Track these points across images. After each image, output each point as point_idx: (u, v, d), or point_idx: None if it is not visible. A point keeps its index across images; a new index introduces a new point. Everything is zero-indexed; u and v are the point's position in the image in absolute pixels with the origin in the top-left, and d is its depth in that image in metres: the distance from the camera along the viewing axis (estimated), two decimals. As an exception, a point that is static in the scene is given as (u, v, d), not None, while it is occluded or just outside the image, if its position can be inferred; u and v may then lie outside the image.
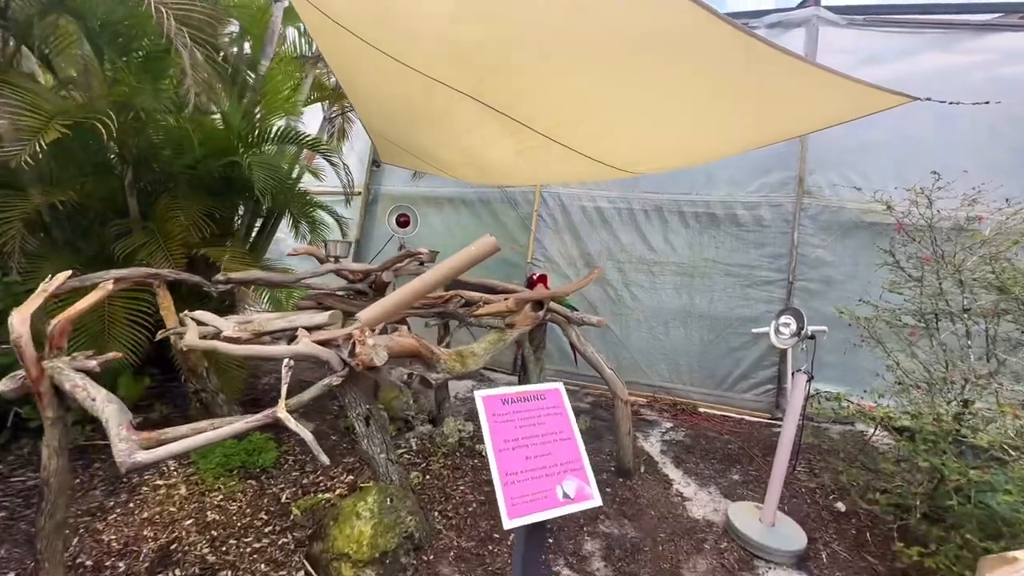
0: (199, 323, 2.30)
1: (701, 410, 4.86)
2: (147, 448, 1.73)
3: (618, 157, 3.60)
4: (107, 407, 1.86)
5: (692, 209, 5.11)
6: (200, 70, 2.92)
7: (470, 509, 2.73)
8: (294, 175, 4.67)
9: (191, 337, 2.11)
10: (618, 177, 4.12)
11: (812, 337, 2.69)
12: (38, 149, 2.49)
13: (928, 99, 2.13)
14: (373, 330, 2.02)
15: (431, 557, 2.32)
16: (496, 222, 5.86)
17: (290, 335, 2.26)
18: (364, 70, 3.38)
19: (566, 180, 5.15)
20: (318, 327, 2.19)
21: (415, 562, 2.21)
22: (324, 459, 1.81)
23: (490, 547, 2.45)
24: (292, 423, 1.77)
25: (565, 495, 1.33)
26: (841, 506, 3.02)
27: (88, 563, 2.12)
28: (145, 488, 2.68)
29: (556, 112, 3.14)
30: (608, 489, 3.15)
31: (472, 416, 4.15)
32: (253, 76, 3.99)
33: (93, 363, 1.96)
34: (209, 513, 2.48)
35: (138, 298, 2.92)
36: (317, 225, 4.67)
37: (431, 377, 2.27)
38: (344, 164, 4.84)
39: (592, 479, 1.47)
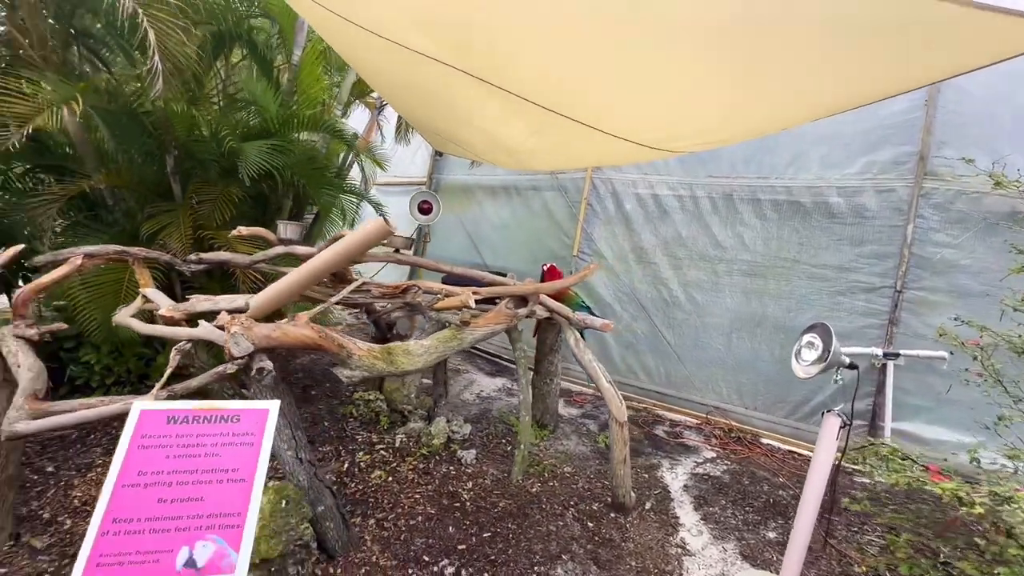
0: (146, 300, 2.37)
1: (764, 441, 3.99)
2: (35, 418, 1.77)
3: (645, 133, 3.02)
4: (26, 375, 1.95)
5: (770, 196, 4.20)
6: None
7: (412, 522, 2.47)
8: (335, 165, 4.77)
9: (121, 315, 2.17)
10: (655, 158, 3.50)
11: (853, 367, 1.93)
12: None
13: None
14: (258, 319, 1.86)
15: (337, 571, 2.12)
16: (545, 211, 5.45)
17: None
18: (369, 58, 3.27)
19: (593, 163, 4.56)
20: (238, 311, 2.10)
21: (309, 573, 2.03)
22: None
23: (410, 570, 2.17)
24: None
25: (188, 563, 0.97)
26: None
27: (45, 516, 2.30)
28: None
29: (556, 81, 2.70)
30: (590, 523, 2.66)
31: (479, 418, 3.89)
32: (287, 66, 4.14)
33: (32, 331, 2.08)
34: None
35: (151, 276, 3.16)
36: (345, 212, 4.73)
37: (344, 374, 2.05)
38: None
39: (248, 545, 1.07)
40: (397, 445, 3.21)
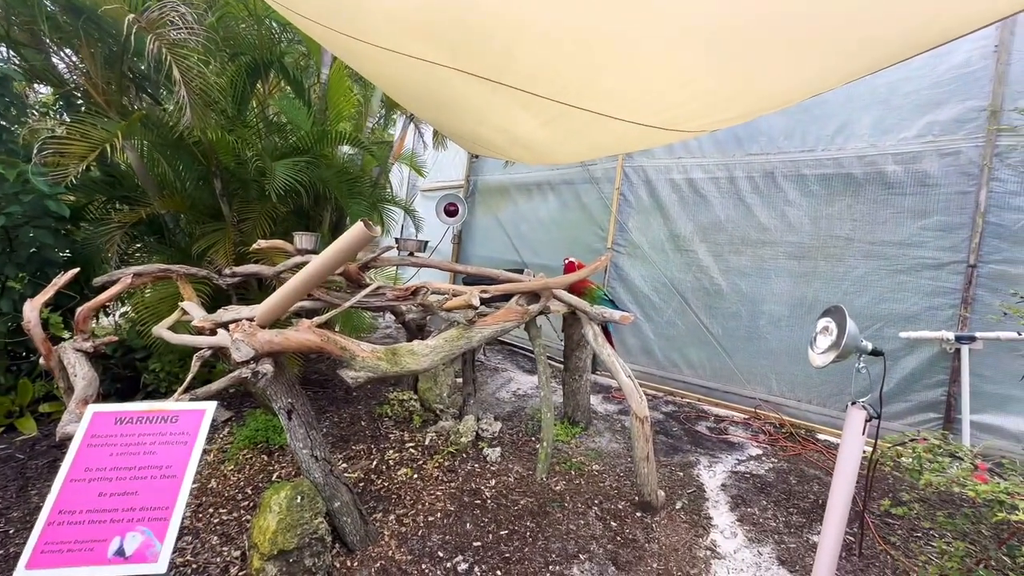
0: (184, 313, 2.60)
1: (820, 437, 3.67)
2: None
3: (653, 115, 2.89)
4: (80, 383, 2.21)
5: (817, 171, 3.86)
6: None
7: (431, 519, 2.52)
8: (370, 176, 4.97)
9: (157, 328, 2.39)
10: (672, 140, 3.34)
11: (877, 352, 1.72)
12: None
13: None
14: (263, 326, 1.98)
15: (354, 564, 2.21)
16: (579, 204, 5.36)
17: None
18: (377, 69, 3.37)
19: (612, 151, 4.35)
20: (250, 319, 2.25)
21: (327, 565, 2.13)
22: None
23: (423, 565, 2.22)
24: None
25: (119, 552, 1.03)
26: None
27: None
28: (193, 450, 3.17)
29: (556, 70, 2.65)
30: (613, 523, 2.58)
31: (512, 415, 3.90)
32: (317, 84, 4.37)
33: (88, 344, 2.35)
34: (212, 481, 2.80)
35: (199, 291, 3.46)
36: (383, 221, 4.90)
37: (349, 376, 2.13)
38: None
39: (172, 536, 1.11)
40: (427, 443, 3.29)
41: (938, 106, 3.36)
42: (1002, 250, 3.13)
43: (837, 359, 1.65)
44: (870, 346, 1.70)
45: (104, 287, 2.81)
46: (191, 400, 1.94)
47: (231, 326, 1.89)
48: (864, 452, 1.81)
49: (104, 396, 3.64)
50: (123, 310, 4.77)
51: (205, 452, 3.12)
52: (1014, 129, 3.08)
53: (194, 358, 2.05)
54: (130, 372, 3.89)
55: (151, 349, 3.75)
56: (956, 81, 3.28)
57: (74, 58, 3.66)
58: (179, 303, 2.64)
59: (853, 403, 1.74)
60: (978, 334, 3.06)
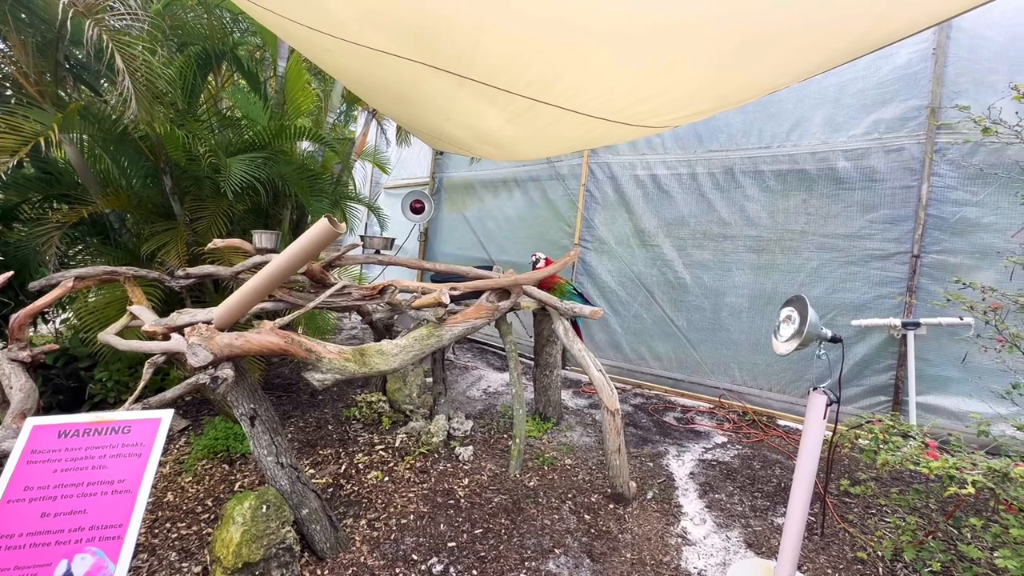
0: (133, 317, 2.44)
1: (781, 423, 3.82)
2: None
3: (619, 111, 2.92)
4: (17, 395, 2.04)
5: (773, 167, 4.00)
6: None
7: (404, 521, 2.47)
8: (331, 172, 4.83)
9: (104, 333, 2.24)
10: (638, 135, 3.38)
11: (836, 340, 1.80)
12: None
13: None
14: (222, 328, 1.88)
15: (325, 572, 2.14)
16: (545, 201, 5.37)
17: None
18: (336, 61, 3.26)
19: (579, 146, 4.43)
20: (207, 322, 2.13)
21: (296, 575, 2.05)
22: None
23: (397, 569, 2.17)
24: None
25: None
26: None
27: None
28: (146, 463, 3.00)
29: (523, 65, 2.63)
30: (587, 516, 2.60)
31: (483, 413, 3.87)
32: (274, 78, 4.21)
33: (25, 354, 2.18)
34: (169, 494, 2.66)
35: (150, 294, 3.27)
36: (346, 218, 4.77)
37: (315, 378, 2.05)
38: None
39: (127, 556, 1.06)
40: (397, 445, 3.23)
41: (883, 105, 3.54)
42: (942, 241, 3.34)
43: (800, 347, 1.71)
44: (829, 333, 1.77)
45: (42, 292, 2.62)
46: (144, 407, 1.82)
47: (187, 330, 1.79)
48: (824, 436, 1.88)
49: (45, 409, 3.39)
50: (64, 316, 4.46)
51: (160, 464, 2.95)
52: (952, 127, 3.27)
53: (146, 365, 1.93)
54: (74, 383, 3.63)
55: (97, 357, 3.51)
56: (899, 81, 3.47)
57: (1, 45, 3.38)
58: (128, 307, 2.47)
59: (815, 388, 1.81)
60: (922, 320, 3.25)
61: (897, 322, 3.34)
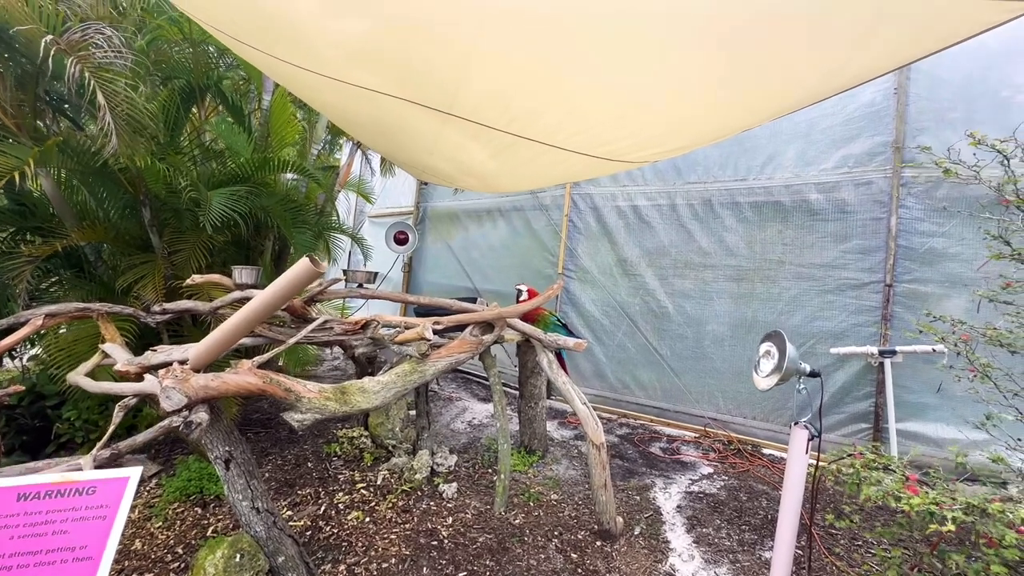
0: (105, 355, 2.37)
1: (765, 452, 3.83)
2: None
3: (599, 147, 2.99)
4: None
5: (749, 198, 4.12)
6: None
7: (385, 566, 2.39)
8: (315, 203, 4.83)
9: (73, 374, 2.17)
10: (618, 169, 3.46)
11: (814, 374, 1.83)
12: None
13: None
14: (197, 369, 1.84)
15: (301, 623, 2.04)
16: (529, 231, 5.43)
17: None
18: (320, 97, 3.31)
19: (560, 180, 4.52)
20: (183, 362, 2.08)
21: (269, 629, 1.96)
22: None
23: (377, 619, 2.09)
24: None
25: None
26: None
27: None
28: (114, 507, 2.86)
29: (505, 103, 2.69)
30: (574, 554, 2.54)
31: (468, 447, 3.81)
32: (258, 110, 4.23)
33: (-13, 396, 2.08)
34: (136, 541, 2.53)
35: (124, 329, 3.18)
36: (330, 249, 4.76)
37: (294, 419, 2.00)
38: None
39: None
40: (379, 482, 3.14)
41: (851, 140, 3.70)
42: (913, 271, 3.45)
43: (780, 382, 1.73)
44: (808, 368, 1.80)
45: (11, 329, 2.53)
46: (112, 455, 1.75)
47: (160, 371, 1.74)
48: (808, 470, 1.89)
49: (7, 452, 3.24)
50: (33, 352, 4.30)
51: (131, 509, 2.81)
52: (918, 163, 3.42)
53: (117, 408, 1.86)
54: (40, 422, 3.48)
55: (65, 395, 3.39)
56: (865, 118, 3.64)
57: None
58: (99, 345, 2.40)
59: (796, 423, 1.82)
60: (898, 348, 3.32)
61: (874, 350, 3.40)
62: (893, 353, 3.35)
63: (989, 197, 3.09)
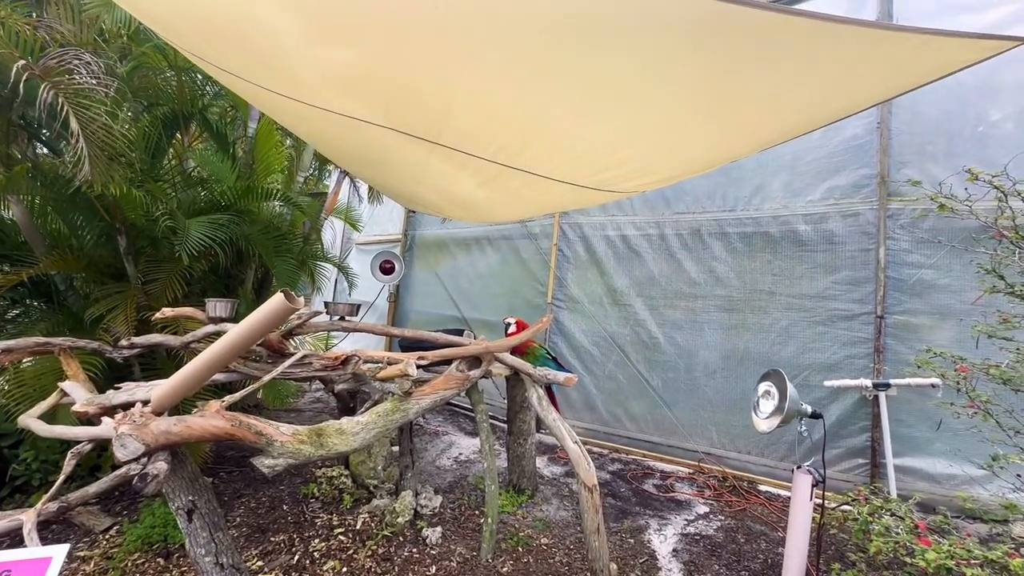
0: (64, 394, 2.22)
1: (762, 488, 3.71)
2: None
3: (588, 177, 2.96)
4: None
5: (738, 229, 4.12)
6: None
7: (362, 623, 2.21)
8: (300, 231, 4.74)
9: (24, 416, 2.01)
10: (605, 200, 3.44)
11: (816, 415, 1.75)
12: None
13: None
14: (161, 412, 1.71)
15: None
16: (518, 259, 5.38)
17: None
18: (305, 127, 3.27)
19: (548, 209, 4.52)
20: (145, 402, 1.94)
21: None
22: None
23: None
24: (27, 538, 1.47)
25: None
26: None
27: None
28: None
29: (493, 133, 2.65)
30: (566, 607, 2.38)
31: (454, 486, 3.63)
32: (244, 138, 4.18)
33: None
34: (90, 599, 2.32)
35: (90, 363, 3.02)
36: (314, 278, 4.65)
37: (264, 465, 1.86)
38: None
39: None
40: (358, 527, 2.96)
41: (836, 172, 3.73)
42: (903, 302, 3.43)
43: (781, 424, 1.65)
44: (810, 409, 1.72)
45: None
46: (60, 508, 1.60)
47: (117, 416, 1.60)
48: (813, 516, 1.79)
49: (-46, 497, 3.00)
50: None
51: (84, 561, 2.60)
52: (904, 196, 3.45)
53: (68, 455, 1.71)
54: (-5, 463, 3.26)
55: (23, 434, 3.18)
56: (849, 151, 3.68)
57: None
58: (59, 383, 2.24)
59: (798, 467, 1.73)
60: (892, 381, 3.26)
61: (868, 383, 3.35)
62: (887, 386, 3.29)
63: (978, 229, 3.11)
